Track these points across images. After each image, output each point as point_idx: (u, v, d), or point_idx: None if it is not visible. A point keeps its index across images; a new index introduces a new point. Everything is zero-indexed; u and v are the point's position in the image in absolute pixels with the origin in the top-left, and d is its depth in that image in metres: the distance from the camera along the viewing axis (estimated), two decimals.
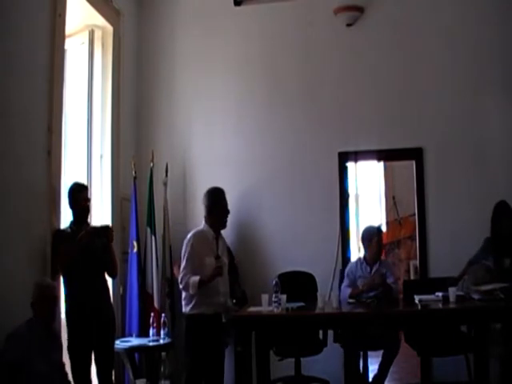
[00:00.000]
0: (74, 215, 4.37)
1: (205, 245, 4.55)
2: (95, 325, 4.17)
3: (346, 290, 5.07)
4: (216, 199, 4.65)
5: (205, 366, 4.52)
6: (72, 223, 4.39)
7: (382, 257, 5.48)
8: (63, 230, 4.36)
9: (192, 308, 4.49)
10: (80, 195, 4.40)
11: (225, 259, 4.66)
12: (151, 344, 5.22)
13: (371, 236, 5.20)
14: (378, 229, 5.36)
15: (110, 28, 5.71)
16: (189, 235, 4.64)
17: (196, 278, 4.40)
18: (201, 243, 4.54)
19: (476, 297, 4.66)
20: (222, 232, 4.77)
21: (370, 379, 5.12)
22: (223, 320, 4.52)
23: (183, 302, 4.60)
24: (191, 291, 4.44)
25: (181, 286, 4.52)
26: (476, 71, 5.80)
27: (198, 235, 4.59)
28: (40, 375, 3.41)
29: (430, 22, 5.92)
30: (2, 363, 3.32)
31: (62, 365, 3.78)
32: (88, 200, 4.49)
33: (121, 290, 5.48)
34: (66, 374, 3.83)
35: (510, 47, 5.73)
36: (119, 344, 5.11)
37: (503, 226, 5.00)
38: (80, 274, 4.18)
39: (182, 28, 6.29)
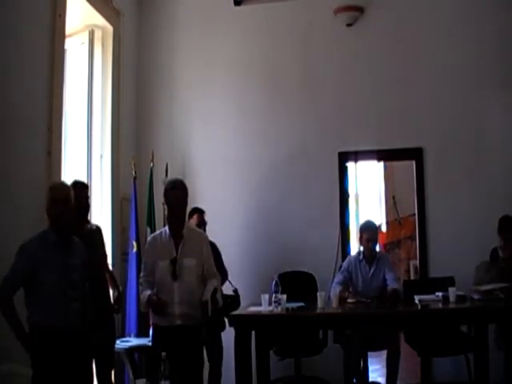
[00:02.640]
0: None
1: (157, 247, 4.03)
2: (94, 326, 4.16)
3: (336, 289, 4.98)
4: (165, 194, 4.11)
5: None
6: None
7: (382, 250, 5.43)
8: None
9: (151, 317, 4.07)
10: (80, 193, 4.40)
11: (189, 261, 3.97)
12: (151, 344, 5.20)
13: (361, 232, 5.17)
14: (370, 224, 5.26)
15: (110, 28, 5.72)
16: None
17: (146, 293, 3.91)
18: (152, 245, 4.07)
19: (476, 297, 4.66)
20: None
21: None
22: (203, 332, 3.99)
23: None
24: (142, 308, 4.18)
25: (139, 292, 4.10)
26: (476, 71, 5.80)
27: (152, 237, 4.20)
28: (51, 285, 3.37)
29: (429, 22, 5.93)
30: (17, 272, 3.34)
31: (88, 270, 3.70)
32: (88, 198, 4.49)
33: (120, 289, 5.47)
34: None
35: (510, 47, 5.73)
36: (119, 344, 5.10)
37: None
38: None
39: (182, 28, 6.30)
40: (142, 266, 4.14)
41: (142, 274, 4.09)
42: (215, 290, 3.95)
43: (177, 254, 3.97)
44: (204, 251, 4.09)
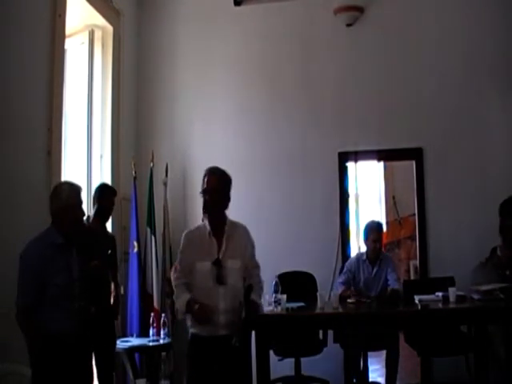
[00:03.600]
0: (97, 211, 4.46)
1: (195, 245, 3.56)
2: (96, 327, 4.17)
3: (338, 289, 5.07)
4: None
5: None
6: (89, 218, 4.52)
7: (384, 251, 5.45)
8: None
9: (189, 325, 3.59)
10: (111, 198, 4.68)
11: (233, 263, 3.52)
12: (151, 344, 5.22)
13: (368, 232, 5.20)
14: (377, 225, 5.30)
15: (110, 28, 5.72)
16: None
17: (185, 298, 3.47)
18: (189, 243, 3.60)
19: (476, 297, 4.66)
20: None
21: None
22: (234, 343, 3.35)
23: None
24: (179, 316, 3.65)
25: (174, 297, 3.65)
26: (476, 71, 5.80)
27: (188, 233, 3.66)
28: (57, 287, 3.35)
29: (429, 23, 5.94)
30: (31, 278, 3.29)
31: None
32: (113, 204, 4.71)
33: (121, 290, 5.48)
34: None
35: (509, 47, 5.73)
36: (119, 344, 5.11)
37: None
38: None
39: (182, 28, 6.30)
40: (176, 265, 3.64)
41: (175, 276, 3.60)
42: (250, 287, 3.44)
43: (219, 255, 3.50)
44: (249, 248, 3.64)
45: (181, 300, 3.49)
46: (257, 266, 3.68)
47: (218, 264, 3.46)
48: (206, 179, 3.57)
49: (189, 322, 3.56)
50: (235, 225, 3.64)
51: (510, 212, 4.82)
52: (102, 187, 4.77)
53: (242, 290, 3.46)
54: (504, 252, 4.79)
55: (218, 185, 3.55)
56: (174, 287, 3.61)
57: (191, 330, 3.55)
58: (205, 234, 3.55)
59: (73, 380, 3.40)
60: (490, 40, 5.77)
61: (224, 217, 3.60)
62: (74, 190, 3.56)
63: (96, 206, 4.63)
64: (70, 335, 3.40)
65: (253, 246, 3.68)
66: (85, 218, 3.89)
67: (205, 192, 3.54)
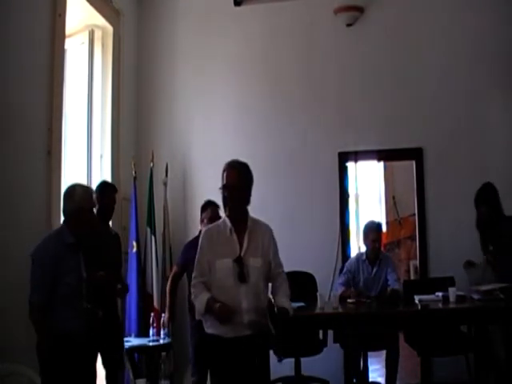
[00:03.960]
0: (100, 210, 4.46)
1: (214, 242, 3.40)
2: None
3: (338, 290, 5.08)
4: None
5: None
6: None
7: (383, 251, 5.46)
8: None
9: (208, 326, 3.38)
10: (111, 195, 4.62)
11: (255, 261, 3.38)
12: (151, 344, 5.22)
13: (367, 232, 5.20)
14: (376, 225, 5.30)
15: (110, 28, 5.72)
16: None
17: (204, 298, 3.31)
18: (208, 240, 3.43)
19: (476, 297, 4.66)
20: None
21: None
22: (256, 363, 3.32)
23: None
24: (197, 316, 3.44)
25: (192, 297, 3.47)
26: (476, 71, 5.80)
27: (207, 230, 3.53)
28: (69, 286, 3.39)
29: (429, 23, 5.93)
30: (43, 276, 3.32)
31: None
32: (115, 201, 4.67)
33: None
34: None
35: (509, 47, 5.73)
36: None
37: (482, 212, 4.99)
38: None
39: (182, 28, 6.30)
40: (195, 264, 3.44)
41: (194, 275, 3.42)
42: (270, 304, 3.40)
43: (241, 252, 3.35)
44: (272, 246, 3.49)
45: (200, 299, 3.33)
46: (280, 265, 3.54)
47: (239, 262, 3.30)
48: (225, 174, 3.42)
49: (207, 323, 3.36)
50: (257, 222, 3.50)
51: (479, 200, 4.96)
52: (102, 185, 4.74)
53: (265, 289, 3.39)
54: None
55: (238, 180, 3.40)
56: (192, 287, 3.43)
57: (209, 331, 3.35)
58: (225, 230, 3.40)
59: (79, 378, 3.42)
60: (490, 40, 5.77)
61: (246, 213, 3.46)
62: (87, 192, 3.64)
63: (98, 206, 4.61)
64: (80, 334, 3.43)
65: (275, 245, 3.54)
66: None
67: (224, 188, 3.39)
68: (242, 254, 3.33)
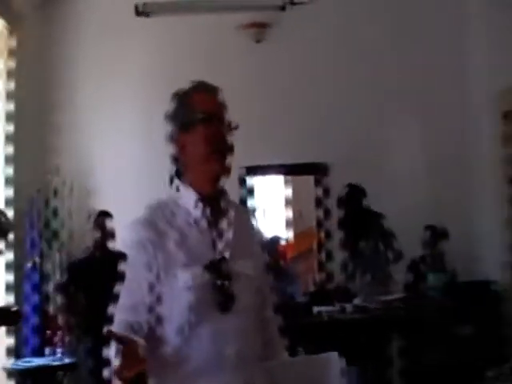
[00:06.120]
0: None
1: (165, 239, 1.78)
2: None
3: None
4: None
5: None
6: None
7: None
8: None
9: None
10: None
11: (245, 266, 1.83)
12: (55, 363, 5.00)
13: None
14: (272, 240, 5.39)
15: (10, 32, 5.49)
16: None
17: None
18: (153, 237, 1.79)
19: (374, 306, 4.75)
20: None
21: None
22: None
23: None
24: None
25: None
26: (377, 90, 6.03)
27: (154, 214, 1.85)
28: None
29: (340, 38, 6.10)
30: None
31: None
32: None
33: None
34: None
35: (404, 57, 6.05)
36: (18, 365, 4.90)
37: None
38: None
39: (83, 41, 6.09)
40: (121, 290, 1.79)
41: (117, 311, 1.76)
42: None
43: (216, 251, 1.80)
44: (258, 245, 2.00)
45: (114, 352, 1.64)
46: (271, 296, 2.01)
47: (217, 268, 1.77)
48: (196, 99, 1.92)
49: None
50: (233, 202, 1.96)
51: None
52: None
53: (259, 324, 1.86)
54: None
55: (226, 111, 1.93)
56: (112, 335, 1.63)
57: None
58: (187, 215, 1.82)
59: None
60: (389, 60, 6.06)
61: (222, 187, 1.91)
62: None
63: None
64: None
65: (265, 258, 2.06)
66: None
67: (204, 122, 1.88)
68: (219, 256, 1.79)
